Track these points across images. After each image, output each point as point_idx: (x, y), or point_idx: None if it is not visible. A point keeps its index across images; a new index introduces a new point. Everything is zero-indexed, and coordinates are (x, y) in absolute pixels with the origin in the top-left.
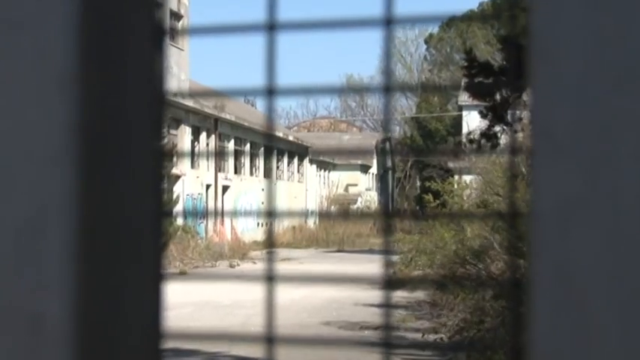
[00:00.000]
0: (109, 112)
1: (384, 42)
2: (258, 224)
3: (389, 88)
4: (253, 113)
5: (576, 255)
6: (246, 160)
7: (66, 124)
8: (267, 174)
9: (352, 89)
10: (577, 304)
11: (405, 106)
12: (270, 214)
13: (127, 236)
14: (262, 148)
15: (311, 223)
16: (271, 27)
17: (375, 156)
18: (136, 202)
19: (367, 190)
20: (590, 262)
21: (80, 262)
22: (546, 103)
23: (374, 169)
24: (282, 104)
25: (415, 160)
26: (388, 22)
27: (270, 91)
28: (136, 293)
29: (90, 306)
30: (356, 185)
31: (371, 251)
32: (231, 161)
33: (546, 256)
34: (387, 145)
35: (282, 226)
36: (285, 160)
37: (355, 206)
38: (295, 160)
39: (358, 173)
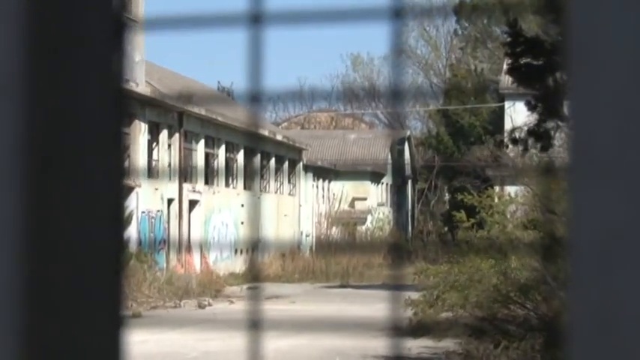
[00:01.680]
0: (59, 118)
1: (392, 38)
2: (236, 251)
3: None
4: (230, 105)
5: (622, 296)
6: (220, 167)
7: (9, 134)
8: (249, 185)
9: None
10: (623, 357)
11: (430, 95)
12: (253, 239)
13: (78, 266)
14: (242, 151)
15: (306, 249)
16: (256, 19)
17: (389, 161)
18: (91, 226)
19: (379, 205)
20: (638, 304)
21: (23, 313)
22: (586, 113)
23: (388, 178)
24: (268, 92)
25: (443, 166)
26: (397, 13)
27: (255, 96)
28: (89, 340)
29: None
30: (364, 199)
31: (384, 287)
32: (200, 168)
33: (585, 297)
34: (406, 146)
35: (268, 253)
36: (272, 166)
37: (364, 227)
38: (285, 166)
39: (367, 184)
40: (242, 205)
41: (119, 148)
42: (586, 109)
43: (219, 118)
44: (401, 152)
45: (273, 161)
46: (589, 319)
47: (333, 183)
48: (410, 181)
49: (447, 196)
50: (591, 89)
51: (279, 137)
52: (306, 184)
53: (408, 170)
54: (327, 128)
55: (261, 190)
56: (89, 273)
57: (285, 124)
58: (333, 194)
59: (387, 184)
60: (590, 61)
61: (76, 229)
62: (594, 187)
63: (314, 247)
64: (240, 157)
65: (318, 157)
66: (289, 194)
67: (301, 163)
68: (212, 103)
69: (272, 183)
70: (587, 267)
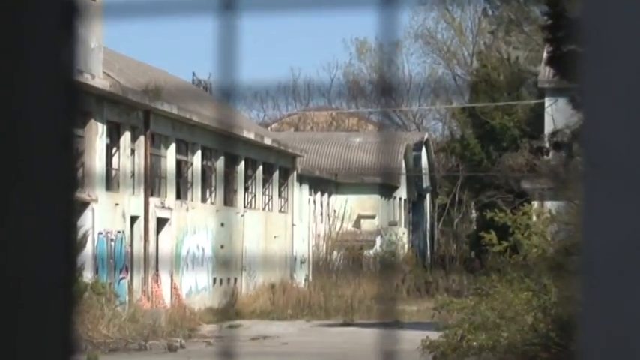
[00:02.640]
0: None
1: (383, 27)
2: (214, 281)
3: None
4: (207, 102)
5: (636, 321)
6: (195, 178)
7: None
8: (230, 200)
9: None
10: None
11: (453, 90)
12: (234, 266)
13: (23, 300)
14: (222, 158)
15: (300, 278)
16: (228, 5)
17: (403, 170)
18: (36, 247)
19: (391, 225)
20: None
21: None
22: (599, 114)
23: (402, 192)
24: (255, 87)
25: (469, 176)
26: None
27: (228, 90)
28: None
29: None
30: (373, 218)
31: (398, 325)
32: (171, 178)
33: (597, 322)
34: (424, 152)
35: (253, 282)
36: (259, 176)
37: (372, 252)
38: (275, 176)
39: (376, 198)
40: (222, 225)
41: (69, 153)
42: (598, 108)
43: (194, 118)
44: (417, 160)
45: (260, 170)
46: (599, 349)
47: (334, 197)
48: (428, 196)
49: (473, 214)
50: (606, 86)
51: (267, 141)
52: (301, 199)
53: (426, 182)
54: (326, 130)
55: (245, 207)
56: (33, 304)
57: (276, 125)
58: (334, 211)
59: (400, 199)
60: (603, 54)
61: (17, 249)
62: (607, 196)
63: (310, 276)
64: (220, 165)
65: (316, 166)
66: (280, 211)
67: (295, 173)
68: (186, 99)
69: (259, 197)
70: (600, 288)
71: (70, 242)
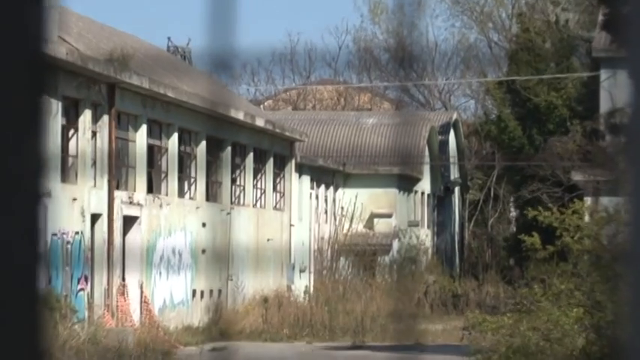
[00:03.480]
0: None
1: None
2: (194, 294)
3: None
4: (185, 74)
5: None
6: (170, 166)
7: None
8: (213, 194)
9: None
10: None
11: (488, 59)
12: (219, 275)
13: None
14: (204, 143)
15: (300, 291)
16: None
17: (427, 159)
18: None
19: (411, 225)
20: None
21: None
22: None
23: (425, 185)
24: (242, 55)
25: (507, 166)
26: None
27: (221, 60)
28: None
29: None
30: (389, 216)
31: (419, 348)
32: (141, 167)
33: None
34: (452, 135)
35: (242, 296)
36: (250, 165)
37: (387, 258)
38: (269, 165)
39: (394, 193)
40: (204, 225)
41: (38, 132)
42: None
43: (170, 94)
44: (444, 145)
45: (250, 158)
46: None
47: (341, 191)
48: (457, 190)
49: (512, 212)
50: None
51: (259, 122)
52: (301, 193)
53: (454, 173)
54: (332, 109)
55: (232, 202)
56: None
57: (270, 102)
58: (342, 208)
59: (422, 194)
60: None
61: None
62: None
63: (312, 288)
64: (202, 151)
65: (319, 153)
66: (275, 208)
67: (293, 161)
68: (159, 70)
69: (249, 191)
70: None
71: (34, 231)
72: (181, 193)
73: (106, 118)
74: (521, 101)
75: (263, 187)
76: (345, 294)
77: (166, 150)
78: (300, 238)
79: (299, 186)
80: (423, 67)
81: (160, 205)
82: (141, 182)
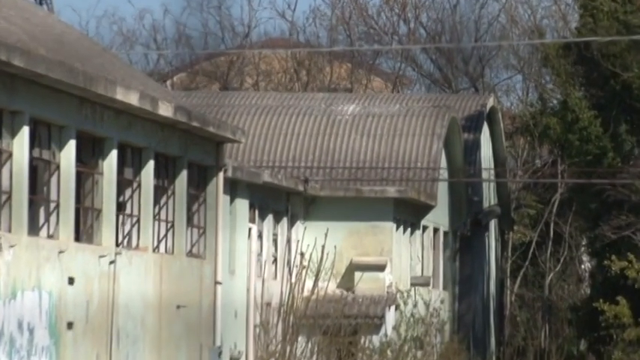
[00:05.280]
0: None
1: None
2: None
3: None
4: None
5: None
6: (16, 188)
7: None
8: (87, 232)
9: None
10: None
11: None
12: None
13: None
14: (70, 144)
15: None
16: None
17: (444, 172)
18: None
19: (417, 283)
20: None
21: None
22: None
23: (441, 217)
24: None
25: (577, 187)
26: None
27: None
28: None
29: None
30: (381, 268)
31: None
32: None
33: None
34: (486, 132)
35: None
36: (149, 182)
37: (376, 339)
38: (181, 182)
39: (389, 228)
40: (71, 282)
41: None
42: None
43: (17, 63)
44: (473, 148)
45: (149, 170)
46: None
47: (300, 225)
48: (494, 225)
49: (585, 263)
50: None
51: (164, 110)
52: (234, 229)
53: (489, 196)
54: (286, 88)
55: (119, 244)
56: None
57: (183, 75)
58: (302, 255)
59: (436, 232)
60: None
61: None
62: None
63: None
64: (67, 159)
65: (265, 161)
66: (190, 254)
67: (221, 176)
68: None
69: (147, 225)
70: None
71: None
72: (33, 230)
73: None
74: (602, 78)
75: (170, 218)
76: None
77: (9, 156)
78: (232, 305)
79: (230, 217)
80: (436, 21)
81: (10, 245)
82: None
